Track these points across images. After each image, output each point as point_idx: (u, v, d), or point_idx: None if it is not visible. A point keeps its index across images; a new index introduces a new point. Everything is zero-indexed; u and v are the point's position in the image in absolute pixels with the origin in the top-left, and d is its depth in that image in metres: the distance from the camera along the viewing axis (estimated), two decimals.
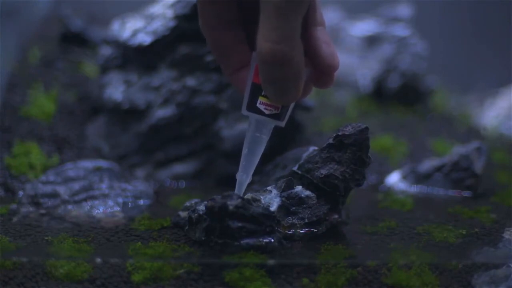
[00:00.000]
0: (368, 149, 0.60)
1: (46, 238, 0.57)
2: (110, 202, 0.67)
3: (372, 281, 0.52)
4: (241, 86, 0.56)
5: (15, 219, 0.63)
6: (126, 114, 0.80)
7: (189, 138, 0.80)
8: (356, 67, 1.14)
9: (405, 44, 1.11)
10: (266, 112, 0.54)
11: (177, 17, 0.78)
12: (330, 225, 0.61)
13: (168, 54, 0.79)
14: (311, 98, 0.90)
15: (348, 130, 0.59)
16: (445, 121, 1.06)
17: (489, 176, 0.84)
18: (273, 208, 0.58)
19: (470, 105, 1.21)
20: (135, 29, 0.80)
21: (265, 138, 0.56)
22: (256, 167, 0.58)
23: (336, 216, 0.62)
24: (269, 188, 0.60)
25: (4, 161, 0.75)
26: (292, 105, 0.56)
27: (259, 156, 0.57)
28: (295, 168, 0.63)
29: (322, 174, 0.60)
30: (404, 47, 1.11)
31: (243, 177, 0.57)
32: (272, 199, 0.58)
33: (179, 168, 0.80)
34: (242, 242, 0.53)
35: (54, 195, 0.66)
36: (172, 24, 0.78)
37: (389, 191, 0.80)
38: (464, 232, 0.61)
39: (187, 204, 0.62)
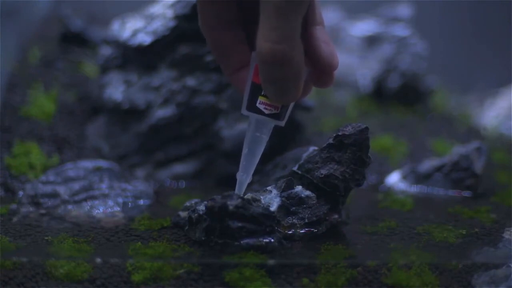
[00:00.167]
0: (368, 149, 0.60)
1: (46, 238, 0.57)
2: (110, 202, 0.67)
3: (372, 281, 0.52)
4: (241, 86, 0.56)
5: (15, 219, 0.63)
6: (126, 114, 0.80)
7: (189, 138, 0.80)
8: (356, 67, 1.14)
9: (405, 44, 1.11)
10: (266, 111, 0.54)
11: (177, 17, 0.78)
12: (330, 225, 0.61)
13: (168, 54, 0.79)
14: (311, 98, 0.90)
15: (348, 130, 0.59)
16: (445, 121, 1.06)
17: (489, 176, 0.84)
18: (273, 208, 0.58)
19: (470, 105, 1.21)
20: (135, 29, 0.80)
21: (265, 138, 0.56)
22: (256, 167, 0.58)
23: (336, 216, 0.62)
24: (269, 188, 0.60)
25: (4, 161, 0.75)
26: (292, 105, 0.56)
27: (259, 156, 0.57)
28: (295, 168, 0.63)
29: (322, 174, 0.60)
30: (404, 47, 1.11)
31: (244, 177, 0.57)
32: (272, 199, 0.58)
33: (179, 168, 0.80)
34: (242, 242, 0.53)
35: (54, 195, 0.66)
36: (172, 24, 0.78)
37: (389, 191, 0.80)
38: (464, 232, 0.61)
39: (187, 204, 0.62)
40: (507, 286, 0.52)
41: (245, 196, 0.57)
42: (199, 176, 0.81)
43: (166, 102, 0.79)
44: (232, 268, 0.51)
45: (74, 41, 1.03)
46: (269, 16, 0.48)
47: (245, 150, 0.57)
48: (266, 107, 0.54)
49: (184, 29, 0.78)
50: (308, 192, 0.60)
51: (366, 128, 0.59)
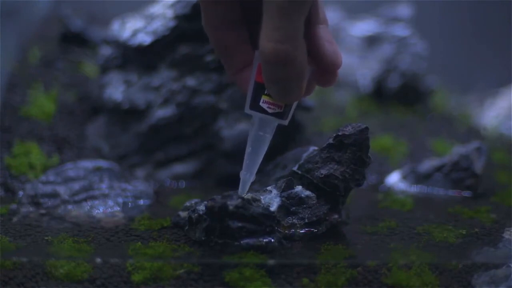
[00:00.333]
0: (368, 149, 0.60)
1: (46, 238, 0.57)
2: (110, 202, 0.67)
3: (372, 281, 0.52)
4: (245, 85, 0.56)
5: (15, 219, 0.63)
6: (126, 114, 0.80)
7: (189, 138, 0.80)
8: (356, 67, 1.14)
9: (405, 44, 1.11)
10: (269, 110, 0.54)
11: (177, 17, 0.78)
12: (330, 225, 0.61)
13: (168, 54, 0.79)
14: (311, 98, 0.90)
15: (348, 130, 0.59)
16: (445, 121, 1.06)
17: (489, 176, 0.84)
18: (273, 208, 0.58)
19: (470, 105, 1.21)
20: (135, 29, 0.80)
21: (268, 137, 0.56)
22: (259, 166, 0.58)
23: (336, 216, 0.62)
24: (269, 188, 0.60)
25: (4, 161, 0.75)
26: (295, 104, 0.56)
27: (263, 155, 0.57)
28: (295, 168, 0.63)
29: (322, 174, 0.60)
30: (404, 47, 1.11)
31: (247, 176, 0.57)
32: (272, 199, 0.58)
33: (179, 168, 0.80)
34: (242, 242, 0.53)
35: (54, 195, 0.66)
36: (172, 24, 0.78)
37: (389, 191, 0.80)
38: (464, 232, 0.61)
39: (187, 204, 0.62)
40: (507, 286, 0.52)
41: (245, 196, 0.57)
42: (199, 176, 0.81)
43: (166, 102, 0.79)
44: (232, 268, 0.51)
45: (74, 41, 1.03)
46: (272, 15, 0.48)
47: (248, 149, 0.57)
48: (270, 106, 0.54)
49: (184, 29, 0.78)
50: (308, 192, 0.60)
51: (366, 128, 0.59)
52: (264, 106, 0.54)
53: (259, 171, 0.69)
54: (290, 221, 0.58)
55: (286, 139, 0.83)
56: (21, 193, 0.69)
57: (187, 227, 0.58)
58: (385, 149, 0.91)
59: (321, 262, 0.52)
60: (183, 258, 0.52)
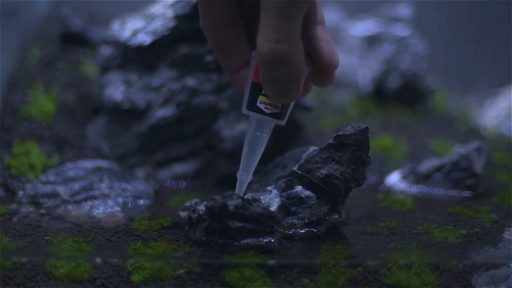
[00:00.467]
0: (368, 149, 0.60)
1: (46, 238, 0.57)
2: (110, 202, 0.67)
3: (372, 281, 0.52)
4: (242, 85, 0.56)
5: (15, 219, 0.63)
6: (126, 114, 0.80)
7: (189, 138, 0.80)
8: (356, 67, 1.14)
9: (405, 44, 1.11)
10: (267, 111, 0.54)
11: (177, 17, 0.78)
12: (330, 225, 0.61)
13: (168, 54, 0.79)
14: (311, 98, 0.90)
15: (348, 130, 0.59)
16: (445, 121, 1.06)
17: (489, 176, 0.83)
18: (273, 208, 0.58)
19: (470, 105, 1.20)
20: (135, 29, 0.80)
21: (265, 137, 0.56)
22: (257, 166, 0.58)
23: (336, 216, 0.62)
24: (269, 188, 0.60)
25: (4, 161, 0.75)
26: (292, 104, 0.56)
27: (260, 155, 0.57)
28: (295, 168, 0.63)
29: (322, 174, 0.60)
30: (404, 47, 1.11)
31: (244, 176, 0.57)
32: (272, 199, 0.58)
33: (179, 168, 0.80)
34: (242, 242, 0.53)
35: (54, 195, 0.66)
36: (172, 24, 0.78)
37: (389, 191, 0.80)
38: (464, 232, 0.61)
39: (187, 204, 0.62)
40: (507, 286, 0.52)
41: (245, 196, 0.57)
42: (199, 176, 0.81)
43: (166, 102, 0.79)
44: (232, 268, 0.51)
45: (74, 41, 1.03)
46: (270, 15, 0.48)
47: (245, 149, 0.57)
48: (267, 106, 0.54)
49: (184, 29, 0.78)
50: (308, 192, 0.60)
51: (366, 128, 0.59)
52: (261, 106, 0.54)
53: (259, 171, 0.69)
54: (290, 221, 0.58)
55: (286, 139, 0.83)
56: (21, 193, 0.69)
57: (187, 227, 0.58)
58: (385, 149, 0.91)
59: (321, 262, 0.52)
60: (183, 258, 0.52)
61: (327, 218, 0.61)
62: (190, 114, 0.79)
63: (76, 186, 0.67)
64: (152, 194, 0.72)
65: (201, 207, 0.55)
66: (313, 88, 0.60)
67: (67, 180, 0.68)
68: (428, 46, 1.12)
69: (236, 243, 0.53)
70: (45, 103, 0.85)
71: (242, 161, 0.57)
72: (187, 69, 0.79)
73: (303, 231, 0.58)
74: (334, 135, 0.60)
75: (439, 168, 0.79)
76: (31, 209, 0.65)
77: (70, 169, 0.69)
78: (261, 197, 0.58)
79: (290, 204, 0.59)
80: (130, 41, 0.80)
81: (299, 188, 0.60)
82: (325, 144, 0.61)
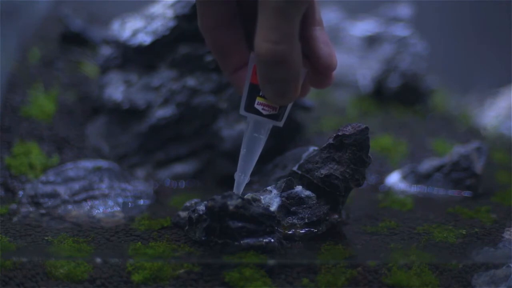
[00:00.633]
0: (368, 149, 0.60)
1: (46, 238, 0.57)
2: (110, 202, 0.67)
3: (372, 281, 0.52)
4: (240, 85, 0.56)
5: (15, 219, 0.63)
6: (126, 114, 0.80)
7: (189, 138, 0.80)
8: (356, 67, 1.14)
9: (405, 44, 1.11)
10: (264, 112, 0.55)
11: (177, 17, 0.78)
12: (330, 225, 0.61)
13: (168, 54, 0.79)
14: (311, 98, 0.90)
15: (348, 130, 0.59)
16: (445, 121, 1.06)
17: (489, 176, 0.83)
18: (273, 208, 0.58)
19: (470, 105, 1.20)
20: (135, 29, 0.80)
21: (263, 138, 0.56)
22: (256, 167, 0.58)
23: (336, 216, 0.62)
24: (269, 188, 0.60)
25: (4, 161, 0.75)
26: (290, 106, 0.56)
27: (257, 156, 0.57)
28: (295, 168, 0.63)
29: (322, 174, 0.60)
30: (404, 47, 1.11)
31: (242, 178, 0.57)
32: (272, 199, 0.58)
33: (179, 168, 0.80)
34: (242, 242, 0.53)
35: (54, 195, 0.66)
36: (172, 24, 0.78)
37: (389, 191, 0.80)
38: (464, 232, 0.61)
39: (187, 204, 0.62)
40: (507, 286, 0.52)
41: (245, 196, 0.57)
42: (199, 176, 0.81)
43: (166, 102, 0.79)
44: (232, 268, 0.51)
45: (74, 41, 1.03)
46: (268, 16, 0.48)
47: (243, 151, 0.57)
48: (264, 107, 0.54)
49: (184, 29, 0.78)
50: (308, 192, 0.60)
51: (366, 128, 0.59)
52: (259, 108, 0.54)
53: (259, 171, 0.69)
54: (290, 221, 0.58)
55: (286, 139, 0.83)
56: (21, 193, 0.69)
57: (187, 227, 0.58)
58: (385, 149, 0.91)
59: (321, 262, 0.52)
60: (183, 258, 0.52)
61: (327, 218, 0.61)
62: (190, 114, 0.79)
63: (76, 186, 0.67)
64: (152, 194, 0.72)
65: (201, 207, 0.55)
66: (312, 89, 0.60)
67: (67, 180, 0.68)
68: (428, 46, 1.12)
69: (236, 243, 0.53)
70: (45, 103, 0.85)
71: (240, 162, 0.57)
72: (187, 69, 0.79)
73: (303, 231, 0.58)
74: (334, 135, 0.60)
75: (439, 168, 0.79)
76: (31, 209, 0.65)
77: (70, 169, 0.69)
78: (261, 197, 0.59)
79: (290, 204, 0.59)
80: (130, 41, 0.80)
81: (299, 188, 0.60)
82: (325, 144, 0.61)
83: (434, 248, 0.57)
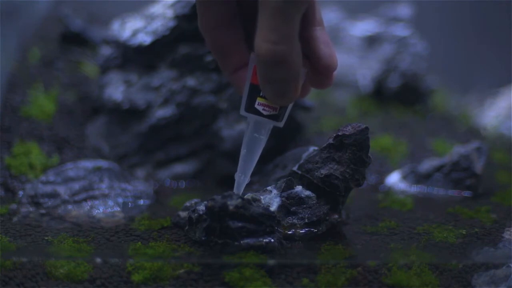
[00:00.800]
0: (368, 149, 0.60)
1: (46, 238, 0.57)
2: (110, 202, 0.67)
3: (372, 281, 0.52)
4: (240, 85, 0.56)
5: (15, 219, 0.63)
6: (126, 114, 0.80)
7: (189, 138, 0.80)
8: (356, 67, 1.14)
9: (405, 44, 1.11)
10: (265, 113, 0.55)
11: (177, 17, 0.78)
12: (330, 225, 0.61)
13: (168, 54, 0.79)
14: (311, 98, 0.90)
15: (348, 130, 0.59)
16: (445, 121, 1.06)
17: (489, 176, 0.83)
18: (273, 208, 0.58)
19: (470, 105, 1.20)
20: (135, 29, 0.80)
21: (263, 139, 0.56)
22: (256, 167, 0.58)
23: (336, 216, 0.62)
24: (269, 188, 0.60)
25: (4, 161, 0.75)
26: (290, 106, 0.56)
27: (258, 157, 0.57)
28: (295, 168, 0.63)
29: (322, 174, 0.60)
30: (404, 47, 1.11)
31: (242, 178, 0.57)
32: (272, 199, 0.58)
33: (179, 168, 0.80)
34: (242, 242, 0.53)
35: (54, 195, 0.66)
36: (172, 24, 0.78)
37: (389, 191, 0.80)
38: (464, 232, 0.61)
39: (187, 204, 0.62)
40: (507, 286, 0.52)
41: (245, 196, 0.57)
42: (199, 176, 0.81)
43: (166, 102, 0.79)
44: (232, 268, 0.51)
45: (74, 41, 1.03)
46: (267, 16, 0.48)
47: (243, 151, 0.57)
48: (265, 108, 0.54)
49: (184, 29, 0.78)
50: (308, 192, 0.60)
51: (366, 128, 0.59)
52: (259, 108, 0.54)
53: (259, 171, 0.69)
54: (290, 221, 0.58)
55: (286, 139, 0.83)
56: (21, 193, 0.69)
57: (187, 227, 0.58)
58: (385, 149, 0.91)
59: (321, 262, 0.52)
60: (183, 258, 0.52)
61: (327, 218, 0.61)
62: (190, 114, 0.79)
63: (76, 186, 0.67)
64: (152, 194, 0.72)
65: (201, 207, 0.55)
66: (312, 89, 0.60)
67: (67, 180, 0.68)
68: (428, 46, 1.12)
69: (236, 243, 0.53)
70: (45, 103, 0.85)
71: (240, 163, 0.57)
72: (187, 69, 0.79)
73: (303, 231, 0.58)
74: (334, 135, 0.60)
75: (439, 168, 0.79)
76: (31, 209, 0.65)
77: (70, 169, 0.69)
78: (261, 197, 0.58)
79: (290, 204, 0.59)
80: (130, 41, 0.80)
81: (299, 188, 0.60)
82: (325, 144, 0.61)
83: (434, 248, 0.57)
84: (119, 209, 0.67)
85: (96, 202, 0.67)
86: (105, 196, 0.68)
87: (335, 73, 0.55)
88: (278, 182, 0.60)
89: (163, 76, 0.79)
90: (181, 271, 0.51)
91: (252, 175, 0.58)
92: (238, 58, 0.56)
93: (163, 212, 0.66)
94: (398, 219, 0.65)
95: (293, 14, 0.48)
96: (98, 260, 0.52)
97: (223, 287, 0.50)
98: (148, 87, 0.80)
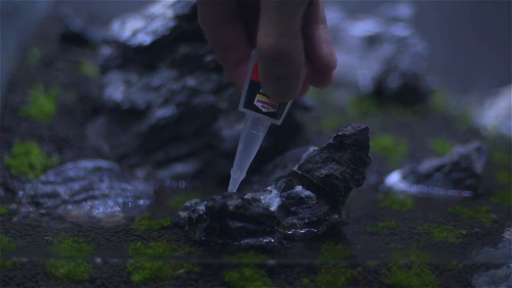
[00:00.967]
0: (368, 149, 0.60)
1: (46, 238, 0.57)
2: (110, 202, 0.67)
3: (372, 281, 0.52)
4: (240, 81, 0.56)
5: (15, 219, 0.63)
6: (126, 114, 0.80)
7: (189, 138, 0.80)
8: (356, 67, 1.14)
9: (405, 44, 1.11)
10: (263, 110, 0.55)
11: (177, 17, 0.78)
12: (330, 225, 0.61)
13: (168, 54, 0.79)
14: (311, 98, 0.90)
15: (348, 130, 0.59)
16: (445, 121, 1.06)
17: (489, 176, 0.83)
18: (273, 208, 0.58)
19: (470, 105, 1.20)
20: (135, 29, 0.80)
21: (261, 136, 0.56)
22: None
23: (336, 216, 0.62)
24: (269, 188, 0.60)
25: (4, 161, 0.75)
26: (288, 104, 0.56)
27: (254, 153, 0.57)
28: (295, 168, 0.63)
29: (322, 174, 0.60)
30: (404, 47, 1.11)
31: (238, 174, 0.57)
32: (272, 199, 0.58)
33: (179, 168, 0.80)
34: (242, 242, 0.53)
35: (54, 195, 0.66)
36: (172, 24, 0.78)
37: (389, 191, 0.80)
38: (464, 232, 0.61)
39: (187, 204, 0.62)
40: (507, 286, 0.52)
41: (245, 196, 0.57)
42: (199, 176, 0.81)
43: (166, 102, 0.79)
44: (232, 268, 0.51)
45: (74, 41, 1.03)
46: (270, 11, 0.48)
47: (240, 147, 0.57)
48: (264, 105, 0.54)
49: (184, 29, 0.78)
50: (308, 192, 0.60)
51: (366, 128, 0.59)
52: (258, 105, 0.55)
53: (259, 171, 0.69)
54: (290, 221, 0.58)
55: (286, 139, 0.83)
56: (21, 193, 0.69)
57: (187, 227, 0.58)
58: (385, 149, 0.91)
59: (321, 262, 0.52)
60: (183, 258, 0.52)
61: (327, 218, 0.61)
62: (190, 114, 0.79)
63: (76, 186, 0.67)
64: (152, 194, 0.72)
65: (201, 207, 0.55)
66: (312, 89, 0.60)
67: (67, 180, 0.68)
68: (428, 46, 1.12)
69: (236, 243, 0.53)
70: (45, 103, 0.85)
71: (237, 158, 0.57)
72: (187, 69, 0.79)
73: (303, 231, 0.58)
74: (334, 135, 0.60)
75: (439, 168, 0.79)
76: (31, 209, 0.65)
77: (70, 169, 0.69)
78: (261, 197, 0.58)
79: (290, 204, 0.59)
80: (130, 41, 0.80)
81: (299, 188, 0.60)
82: (325, 144, 0.61)
83: (434, 248, 0.57)
84: (119, 209, 0.67)
85: (96, 202, 0.67)
86: (105, 196, 0.68)
87: (334, 72, 0.55)
88: (278, 182, 0.60)
89: (163, 76, 0.79)
90: (181, 271, 0.51)
91: (252, 175, 0.58)
92: (239, 54, 0.56)
93: (163, 212, 0.66)
94: (398, 219, 0.65)
95: (297, 8, 0.48)
96: (98, 260, 0.52)
97: (223, 287, 0.50)
98: (148, 87, 0.80)
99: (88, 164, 0.70)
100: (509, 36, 1.46)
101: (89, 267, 0.51)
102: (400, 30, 1.14)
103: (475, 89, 1.26)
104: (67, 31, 1.03)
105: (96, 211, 0.66)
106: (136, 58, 0.81)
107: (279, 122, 0.56)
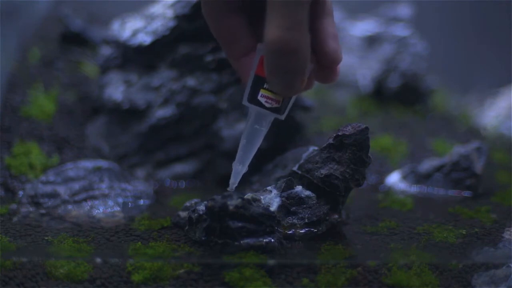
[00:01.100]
0: (368, 149, 0.60)
1: (46, 238, 0.57)
2: (110, 202, 0.67)
3: (372, 281, 0.52)
4: (245, 72, 0.56)
5: (15, 219, 0.63)
6: (126, 114, 0.80)
7: (189, 138, 0.80)
8: (356, 67, 1.14)
9: (405, 44, 1.11)
10: (267, 105, 0.55)
11: (177, 17, 0.78)
12: (330, 225, 0.61)
13: (168, 54, 0.79)
14: (311, 98, 0.90)
15: (348, 130, 0.59)
16: (445, 121, 1.06)
17: (489, 176, 0.83)
18: (273, 208, 0.58)
19: (470, 105, 1.20)
20: (135, 29, 0.80)
21: (264, 130, 0.56)
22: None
23: (336, 216, 0.62)
24: (269, 188, 0.60)
25: (4, 161, 0.75)
26: (292, 100, 0.56)
27: (257, 148, 0.57)
28: (295, 168, 0.63)
29: (322, 174, 0.60)
30: (404, 47, 1.11)
31: (239, 167, 0.57)
32: (272, 199, 0.58)
33: (179, 168, 0.80)
34: (242, 242, 0.53)
35: (54, 195, 0.66)
36: (172, 24, 0.78)
37: (389, 191, 0.80)
38: (464, 232, 0.61)
39: (187, 204, 0.62)
40: (507, 286, 0.52)
41: (245, 196, 0.57)
42: (199, 176, 0.81)
43: (166, 102, 0.79)
44: (232, 268, 0.51)
45: (74, 41, 1.03)
46: (278, 4, 0.47)
47: (243, 141, 0.57)
48: (267, 100, 0.54)
49: (184, 29, 0.78)
50: (308, 192, 0.60)
51: (366, 128, 0.59)
52: (262, 100, 0.54)
53: (259, 171, 0.69)
54: (290, 221, 0.58)
55: (286, 139, 0.83)
56: (21, 193, 0.69)
57: (187, 227, 0.58)
58: (385, 149, 0.91)
59: (321, 262, 0.52)
60: (183, 258, 0.52)
61: (327, 218, 0.61)
62: (190, 114, 0.79)
63: (76, 186, 0.67)
64: (152, 194, 0.72)
65: (201, 207, 0.55)
66: (314, 87, 0.60)
67: (67, 180, 0.68)
68: (428, 46, 1.12)
69: (236, 243, 0.53)
70: (45, 103, 0.85)
71: (239, 153, 0.57)
72: (187, 69, 0.79)
73: (303, 231, 0.58)
74: (334, 135, 0.60)
75: (439, 168, 0.79)
76: (31, 209, 0.65)
77: (70, 169, 0.69)
78: (261, 197, 0.59)
79: (290, 204, 0.59)
80: (130, 41, 0.80)
81: (299, 188, 0.60)
82: (325, 144, 0.61)
83: (434, 248, 0.57)
84: (119, 209, 0.67)
85: (96, 202, 0.67)
86: (105, 196, 0.68)
87: (339, 67, 0.55)
88: (278, 182, 0.60)
89: (163, 76, 0.79)
90: (181, 271, 0.51)
91: (252, 175, 0.58)
92: (244, 44, 0.56)
93: (163, 212, 0.66)
94: (398, 219, 0.65)
95: (304, 1, 0.47)
96: (98, 260, 0.52)
97: (223, 287, 0.50)
98: (148, 87, 0.80)
99: (88, 164, 0.70)
100: (509, 36, 1.46)
101: (89, 267, 0.51)
102: (400, 30, 1.14)
103: (475, 89, 1.26)
104: (67, 31, 1.03)
105: (96, 211, 0.66)
106: (136, 58, 0.81)
107: (282, 117, 0.56)
